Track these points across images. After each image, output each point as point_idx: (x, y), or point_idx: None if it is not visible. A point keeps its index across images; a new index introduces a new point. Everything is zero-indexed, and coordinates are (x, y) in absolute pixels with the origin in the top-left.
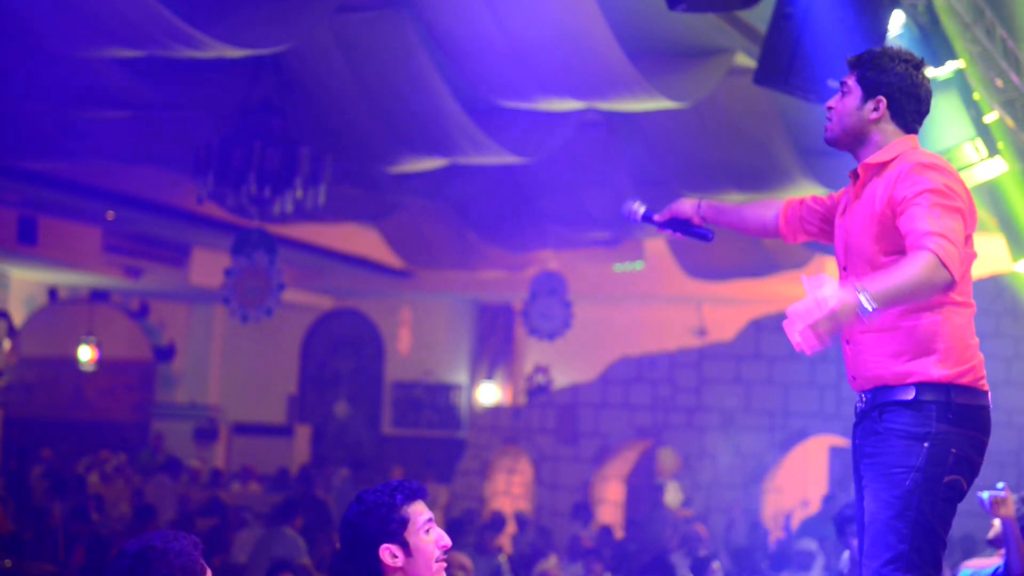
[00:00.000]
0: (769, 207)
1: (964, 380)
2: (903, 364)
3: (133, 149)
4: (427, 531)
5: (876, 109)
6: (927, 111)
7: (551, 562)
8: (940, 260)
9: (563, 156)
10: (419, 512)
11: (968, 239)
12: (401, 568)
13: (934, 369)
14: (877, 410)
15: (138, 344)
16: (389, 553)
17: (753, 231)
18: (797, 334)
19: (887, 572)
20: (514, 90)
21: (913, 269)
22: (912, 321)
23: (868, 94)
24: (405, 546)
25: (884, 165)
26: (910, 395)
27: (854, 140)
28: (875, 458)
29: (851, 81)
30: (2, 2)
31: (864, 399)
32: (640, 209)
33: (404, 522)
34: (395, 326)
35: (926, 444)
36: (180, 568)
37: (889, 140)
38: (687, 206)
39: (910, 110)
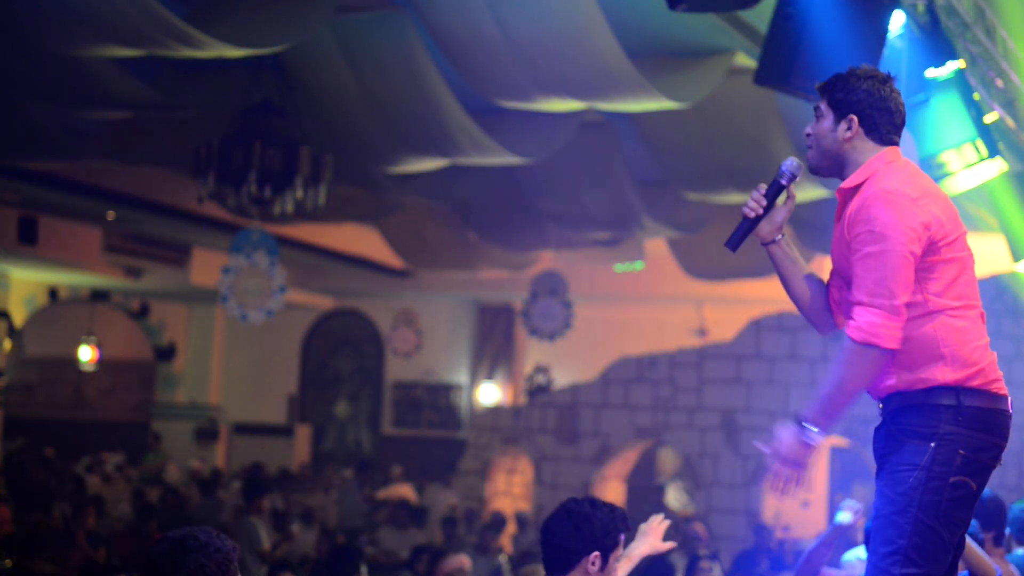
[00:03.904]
0: (822, 298)
1: (974, 383)
2: (913, 374)
3: (133, 149)
4: (616, 562)
5: (849, 128)
6: (902, 122)
7: (529, 570)
8: (860, 343)
9: (563, 156)
10: (622, 544)
11: (949, 244)
12: None
13: (942, 374)
14: (891, 414)
15: (138, 344)
16: (593, 560)
17: (801, 306)
18: (779, 487)
19: (884, 565)
20: (514, 90)
21: (840, 370)
22: (913, 333)
23: (840, 115)
24: (605, 563)
25: (857, 188)
26: (921, 398)
27: (833, 162)
28: (886, 457)
29: (823, 106)
30: (2, 2)
31: (881, 408)
32: (797, 170)
33: (616, 543)
34: (395, 326)
35: (932, 444)
36: (217, 564)
37: (866, 157)
38: (782, 222)
39: (883, 123)
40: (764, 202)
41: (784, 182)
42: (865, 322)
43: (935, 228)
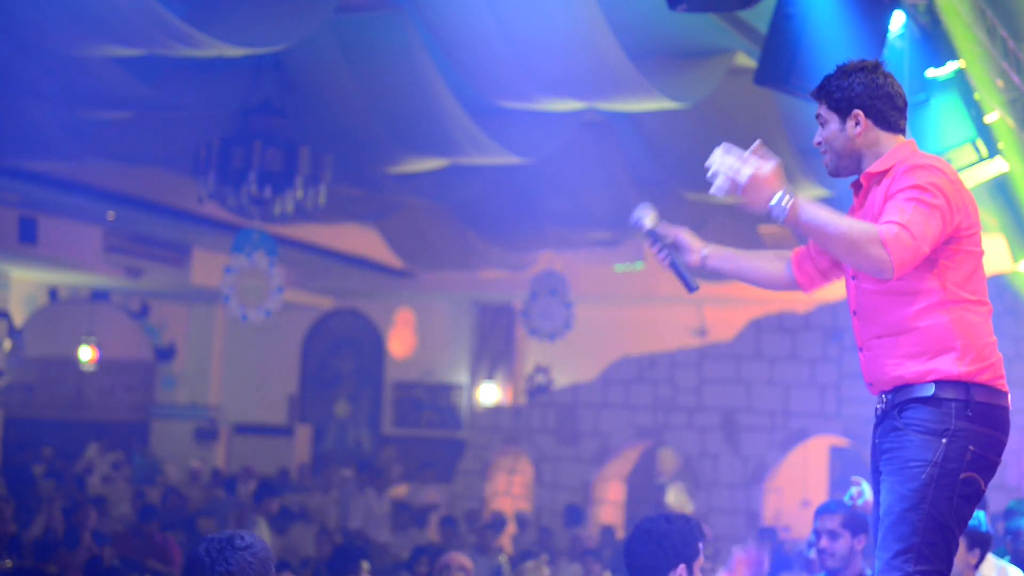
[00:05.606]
0: (779, 260)
1: (983, 378)
2: (922, 363)
3: (133, 149)
4: (701, 570)
5: (858, 124)
6: (904, 104)
7: (531, 565)
8: (883, 240)
9: (563, 156)
10: (702, 551)
11: (971, 237)
12: None
13: (953, 366)
14: (897, 408)
15: (138, 344)
16: (680, 573)
17: (765, 284)
18: (720, 167)
19: (897, 563)
20: (514, 90)
21: (853, 226)
22: (927, 321)
23: (843, 114)
24: (691, 573)
25: (884, 173)
26: (930, 392)
27: (852, 161)
28: (893, 452)
29: (823, 111)
30: (2, 2)
31: (884, 400)
32: (648, 219)
33: (698, 552)
34: (395, 326)
35: (944, 440)
36: (260, 562)
37: (884, 147)
38: (693, 242)
39: (887, 110)
40: (659, 251)
41: (646, 229)
42: (895, 233)
43: (963, 216)
